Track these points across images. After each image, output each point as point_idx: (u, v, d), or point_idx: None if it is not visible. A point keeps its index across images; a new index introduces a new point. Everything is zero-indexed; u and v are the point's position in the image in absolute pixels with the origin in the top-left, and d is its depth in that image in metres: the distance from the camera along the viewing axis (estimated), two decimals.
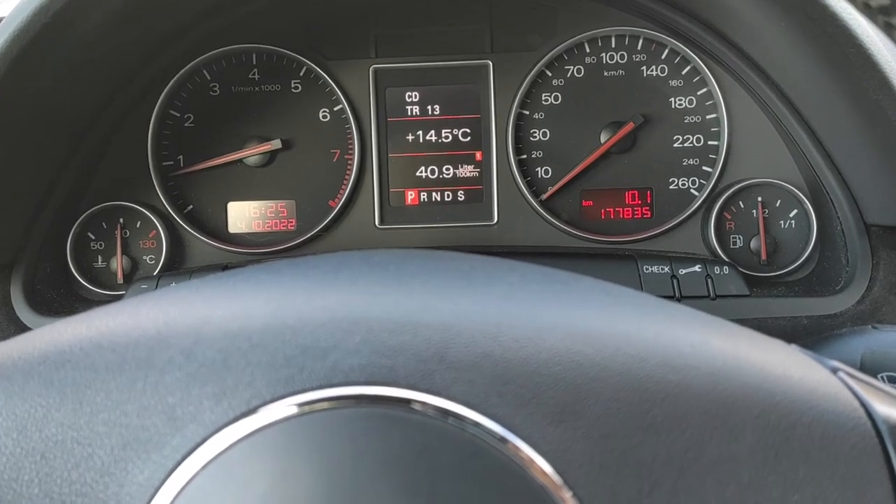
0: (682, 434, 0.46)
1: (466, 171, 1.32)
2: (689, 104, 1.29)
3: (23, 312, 1.16)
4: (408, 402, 0.45)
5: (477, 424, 0.45)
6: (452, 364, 0.47)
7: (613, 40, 1.30)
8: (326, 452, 0.44)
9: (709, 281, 1.12)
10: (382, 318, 0.49)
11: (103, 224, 1.28)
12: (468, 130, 1.32)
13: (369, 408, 0.45)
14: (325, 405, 0.45)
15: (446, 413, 0.45)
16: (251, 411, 0.45)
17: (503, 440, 0.44)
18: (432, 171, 1.32)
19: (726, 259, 1.22)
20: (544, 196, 1.30)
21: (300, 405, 0.45)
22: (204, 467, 0.44)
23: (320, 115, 1.31)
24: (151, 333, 0.49)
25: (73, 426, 0.46)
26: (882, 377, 0.69)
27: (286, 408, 0.45)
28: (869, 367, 0.70)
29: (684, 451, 0.45)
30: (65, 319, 0.53)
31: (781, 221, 1.25)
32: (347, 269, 0.57)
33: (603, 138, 1.29)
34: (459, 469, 0.44)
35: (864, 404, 0.48)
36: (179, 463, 0.44)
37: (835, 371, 0.52)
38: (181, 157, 1.31)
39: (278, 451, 0.44)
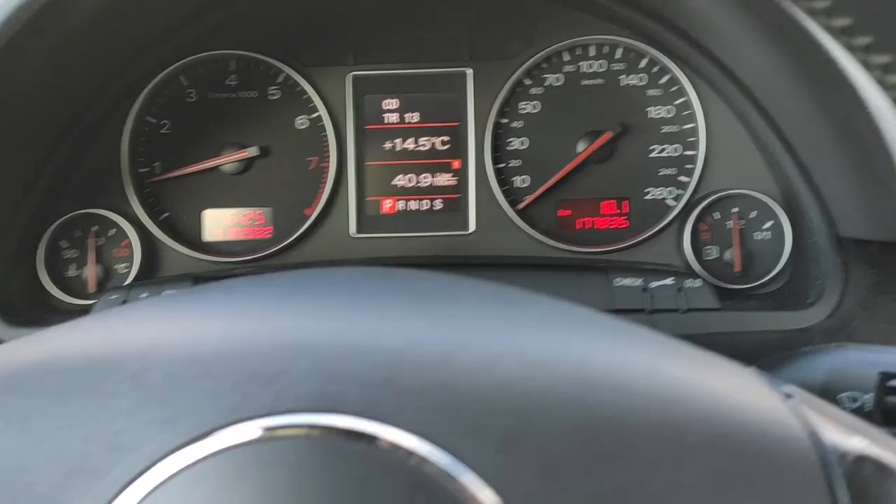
0: (629, 463, 0.45)
1: (444, 179, 1.32)
2: (668, 114, 1.29)
3: None
4: (355, 432, 0.45)
5: (423, 456, 0.44)
6: (401, 391, 0.46)
7: (593, 49, 1.30)
8: (270, 481, 0.43)
9: (680, 294, 1.11)
10: (333, 342, 0.49)
11: (76, 232, 1.26)
12: (447, 139, 1.31)
13: (315, 436, 0.45)
14: (269, 434, 0.45)
15: (393, 443, 0.44)
16: (196, 440, 0.45)
17: (449, 470, 0.44)
18: (410, 180, 1.32)
19: (699, 271, 1.22)
20: (521, 205, 1.30)
21: (244, 434, 0.45)
22: (146, 497, 0.44)
23: (298, 122, 1.31)
24: (98, 358, 0.48)
25: (17, 452, 0.46)
26: (843, 397, 0.69)
27: (231, 436, 0.45)
28: (832, 387, 0.70)
29: (631, 481, 0.45)
30: (12, 342, 0.52)
31: (756, 233, 1.25)
32: (303, 290, 0.56)
33: (581, 147, 1.29)
34: (405, 499, 0.43)
35: (812, 433, 0.48)
36: (120, 492, 0.44)
37: (788, 397, 0.51)
38: (157, 163, 1.30)
39: (222, 481, 0.44)
